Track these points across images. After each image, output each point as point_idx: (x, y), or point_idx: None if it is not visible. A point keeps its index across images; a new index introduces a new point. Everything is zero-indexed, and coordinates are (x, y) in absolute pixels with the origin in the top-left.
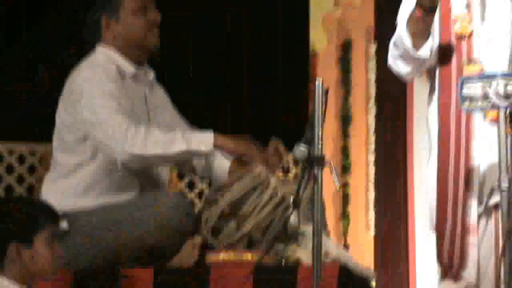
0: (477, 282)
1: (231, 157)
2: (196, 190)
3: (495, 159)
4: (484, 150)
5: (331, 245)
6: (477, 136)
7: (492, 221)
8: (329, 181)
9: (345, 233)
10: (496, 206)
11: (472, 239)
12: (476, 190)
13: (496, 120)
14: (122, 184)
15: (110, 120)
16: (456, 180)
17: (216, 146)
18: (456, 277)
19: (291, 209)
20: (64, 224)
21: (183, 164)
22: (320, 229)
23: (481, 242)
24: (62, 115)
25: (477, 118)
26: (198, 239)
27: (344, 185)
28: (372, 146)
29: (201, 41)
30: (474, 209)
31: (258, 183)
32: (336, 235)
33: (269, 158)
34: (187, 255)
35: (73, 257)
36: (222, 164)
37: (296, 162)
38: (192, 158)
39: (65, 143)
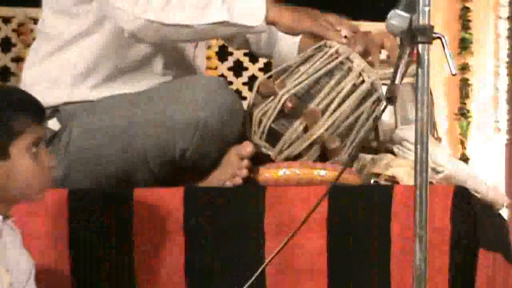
0: None
1: None
2: (246, 76)
3: None
4: None
5: (442, 157)
6: None
7: None
8: (440, 63)
9: (463, 140)
10: None
11: None
12: None
13: None
14: (137, 67)
15: None
16: None
17: (269, 21)
18: None
19: (383, 103)
20: (53, 124)
21: (228, 39)
22: (426, 133)
23: None
24: None
25: None
26: (247, 147)
27: (463, 69)
28: (505, 10)
29: None
30: None
31: (336, 65)
32: (451, 142)
33: (356, 39)
34: (231, 170)
35: (69, 171)
36: (289, 36)
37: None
38: (236, 34)
39: (60, 4)
